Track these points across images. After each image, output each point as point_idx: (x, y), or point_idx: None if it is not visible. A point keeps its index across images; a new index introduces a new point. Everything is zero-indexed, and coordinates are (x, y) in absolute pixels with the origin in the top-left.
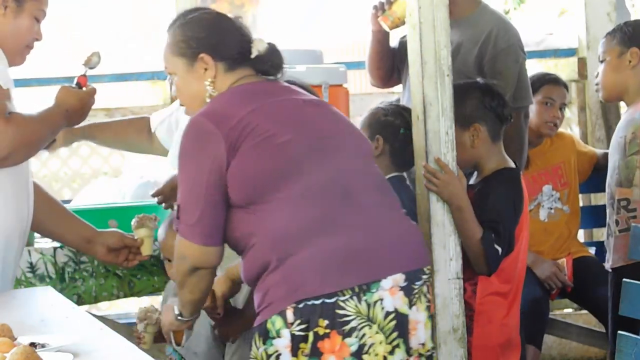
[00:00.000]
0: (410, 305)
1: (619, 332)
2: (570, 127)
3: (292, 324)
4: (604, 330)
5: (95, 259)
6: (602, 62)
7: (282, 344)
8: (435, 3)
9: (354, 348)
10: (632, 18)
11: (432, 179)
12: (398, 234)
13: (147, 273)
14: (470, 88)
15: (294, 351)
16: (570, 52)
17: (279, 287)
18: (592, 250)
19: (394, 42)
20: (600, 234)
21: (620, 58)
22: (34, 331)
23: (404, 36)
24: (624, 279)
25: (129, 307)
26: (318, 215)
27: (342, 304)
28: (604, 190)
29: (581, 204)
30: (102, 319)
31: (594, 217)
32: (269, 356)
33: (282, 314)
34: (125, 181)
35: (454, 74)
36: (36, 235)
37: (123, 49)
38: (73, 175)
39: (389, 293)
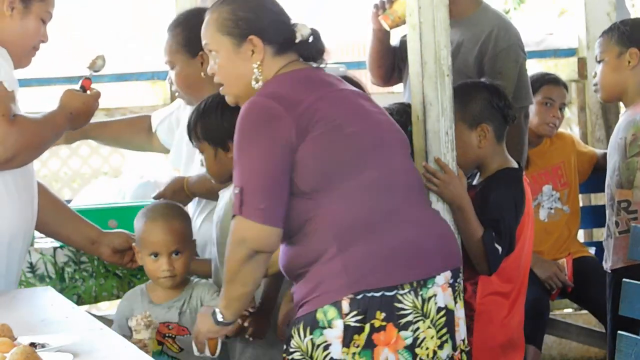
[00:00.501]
0: (455, 302)
1: (619, 332)
2: (570, 127)
3: (347, 314)
4: (604, 330)
5: (95, 259)
6: (599, 62)
7: (334, 334)
8: (435, 3)
9: (408, 341)
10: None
11: (432, 179)
12: (442, 232)
13: None
14: (477, 88)
15: (346, 342)
16: (570, 52)
17: (337, 277)
18: (592, 251)
19: (394, 41)
20: (600, 234)
21: (619, 58)
22: (34, 331)
23: (405, 35)
24: (624, 279)
25: None
26: (382, 208)
27: (400, 297)
28: (603, 191)
29: (581, 204)
30: (102, 319)
31: (594, 217)
32: (315, 346)
33: (337, 305)
34: (125, 181)
35: (454, 73)
36: (36, 234)
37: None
38: (73, 175)
39: (441, 289)
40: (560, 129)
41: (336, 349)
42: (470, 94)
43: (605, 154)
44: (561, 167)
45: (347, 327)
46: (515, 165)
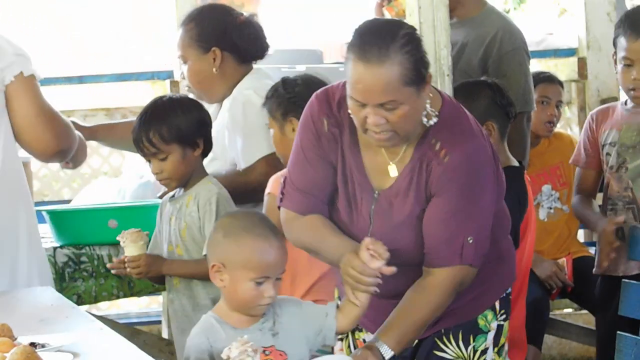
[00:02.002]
0: None
1: (618, 332)
2: (570, 127)
3: (498, 314)
4: None
5: (95, 259)
6: (629, 64)
7: (491, 336)
8: (435, 3)
9: None
10: None
11: None
12: None
13: None
14: (480, 85)
15: (496, 342)
16: (570, 52)
17: (498, 277)
18: (592, 251)
19: None
20: None
21: None
22: (34, 331)
23: None
24: (623, 280)
25: (129, 307)
26: None
27: None
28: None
29: None
30: (102, 319)
31: None
32: (479, 353)
33: (493, 307)
34: (125, 181)
35: (458, 74)
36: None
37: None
38: (73, 175)
39: None
40: (560, 129)
41: (490, 352)
42: (474, 92)
43: None
44: (560, 167)
45: (498, 327)
46: (517, 163)
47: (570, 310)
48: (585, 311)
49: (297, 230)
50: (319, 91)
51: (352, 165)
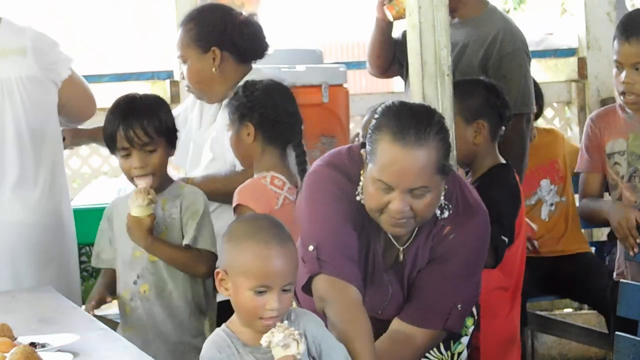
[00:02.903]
0: None
1: (617, 332)
2: (570, 127)
3: (475, 317)
4: (604, 330)
5: None
6: (620, 68)
7: (466, 340)
8: (435, 3)
9: None
10: None
11: None
12: None
13: None
14: (476, 84)
15: (469, 345)
16: (570, 52)
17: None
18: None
19: (396, 34)
20: (600, 233)
21: None
22: (34, 331)
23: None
24: (622, 280)
25: None
26: None
27: None
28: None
29: None
30: (102, 319)
31: None
32: (456, 355)
33: (472, 313)
34: (125, 181)
35: (459, 74)
36: None
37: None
38: (73, 175)
39: None
40: (560, 129)
41: (465, 353)
42: (468, 89)
43: None
44: (557, 162)
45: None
46: (504, 161)
47: (570, 310)
48: (585, 311)
49: (333, 309)
50: (333, 160)
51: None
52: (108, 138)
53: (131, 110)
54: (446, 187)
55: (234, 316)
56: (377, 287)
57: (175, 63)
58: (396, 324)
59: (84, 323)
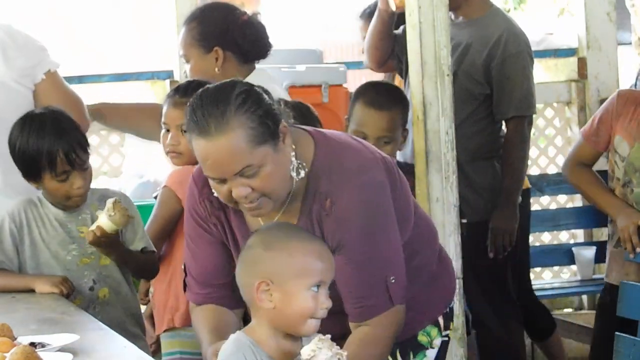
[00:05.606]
0: None
1: (617, 333)
2: (570, 127)
3: (443, 329)
4: None
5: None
6: None
7: (433, 354)
8: (435, 3)
9: None
10: (632, 18)
11: None
12: None
13: None
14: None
15: (441, 358)
16: (570, 52)
17: (435, 290)
18: (592, 250)
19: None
20: (600, 233)
21: None
22: (34, 331)
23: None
24: (621, 281)
25: None
26: None
27: None
28: None
29: (581, 204)
30: None
31: (594, 217)
32: None
33: (437, 322)
34: (125, 181)
35: (461, 74)
36: None
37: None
38: None
39: None
40: (559, 130)
41: None
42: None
43: None
44: None
45: (442, 343)
46: None
47: (570, 310)
48: (585, 311)
49: (194, 322)
50: (195, 173)
51: (244, 243)
52: (44, 160)
53: (60, 129)
54: (294, 147)
55: (253, 325)
56: None
57: (175, 63)
58: (352, 327)
59: (83, 323)
